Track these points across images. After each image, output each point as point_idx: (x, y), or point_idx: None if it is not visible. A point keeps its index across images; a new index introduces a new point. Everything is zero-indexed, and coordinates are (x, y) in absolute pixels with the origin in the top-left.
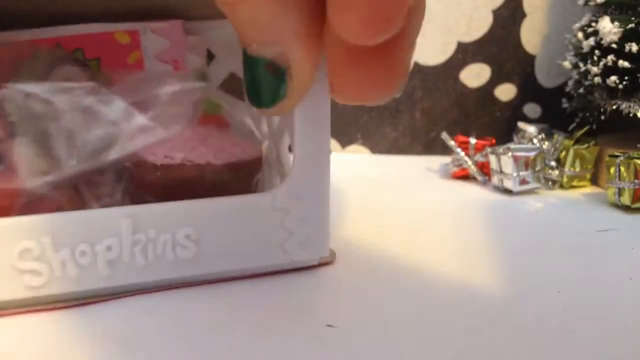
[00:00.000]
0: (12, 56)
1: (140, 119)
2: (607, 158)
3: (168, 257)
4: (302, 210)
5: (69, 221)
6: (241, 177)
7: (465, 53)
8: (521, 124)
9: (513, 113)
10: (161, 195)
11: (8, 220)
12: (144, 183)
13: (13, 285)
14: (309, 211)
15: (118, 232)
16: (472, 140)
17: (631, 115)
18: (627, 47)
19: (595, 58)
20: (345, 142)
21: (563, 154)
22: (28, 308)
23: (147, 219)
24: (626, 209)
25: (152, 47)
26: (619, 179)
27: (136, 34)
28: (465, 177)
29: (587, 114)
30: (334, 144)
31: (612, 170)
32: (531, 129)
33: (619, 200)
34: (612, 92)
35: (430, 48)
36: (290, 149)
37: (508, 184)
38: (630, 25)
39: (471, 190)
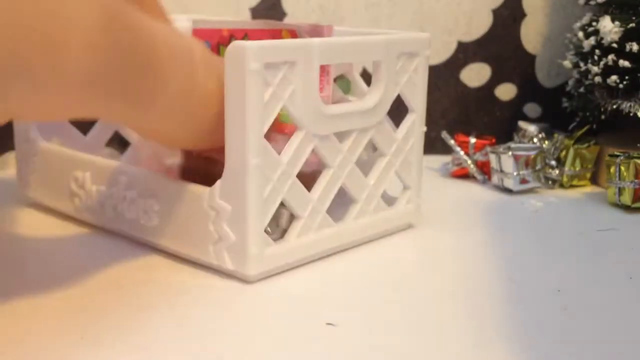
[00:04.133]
0: (217, 42)
1: None
2: (607, 157)
3: (140, 219)
4: (228, 216)
5: (101, 164)
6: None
7: (465, 53)
8: (522, 123)
9: (513, 113)
10: None
11: (71, 152)
12: None
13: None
14: (234, 218)
15: (117, 183)
16: (472, 139)
17: (631, 114)
18: (627, 47)
19: (596, 57)
20: None
21: (563, 153)
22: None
23: (136, 179)
24: (626, 208)
25: None
26: (619, 179)
27: (294, 33)
28: (464, 176)
29: (588, 114)
30: None
31: (612, 169)
32: (532, 128)
33: (619, 200)
34: (613, 92)
35: (430, 48)
36: None
37: (508, 183)
38: (630, 25)
39: (471, 190)
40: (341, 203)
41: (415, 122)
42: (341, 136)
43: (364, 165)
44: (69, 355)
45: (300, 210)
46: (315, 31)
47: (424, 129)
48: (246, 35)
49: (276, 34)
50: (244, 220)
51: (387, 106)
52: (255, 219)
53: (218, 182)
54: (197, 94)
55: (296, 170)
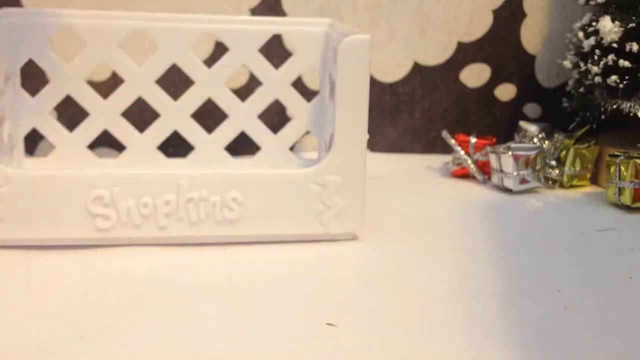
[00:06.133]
0: None
1: None
2: (607, 157)
3: (216, 216)
4: (338, 186)
5: (136, 175)
6: None
7: (465, 53)
8: (522, 123)
9: (513, 113)
10: None
11: (82, 171)
12: None
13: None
14: (345, 187)
15: (176, 189)
16: (473, 139)
17: (631, 114)
18: (627, 47)
19: (596, 57)
20: None
21: (563, 153)
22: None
23: (202, 180)
24: (626, 208)
25: None
26: (619, 179)
27: None
28: (465, 175)
29: (588, 114)
30: None
31: (612, 169)
32: (532, 128)
33: (619, 200)
34: (613, 92)
35: (430, 48)
36: None
37: (508, 183)
38: (630, 25)
39: (471, 189)
40: None
41: None
42: None
43: None
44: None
45: None
46: None
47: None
48: None
49: None
50: (355, 188)
51: None
52: (363, 185)
53: (322, 164)
54: None
55: None
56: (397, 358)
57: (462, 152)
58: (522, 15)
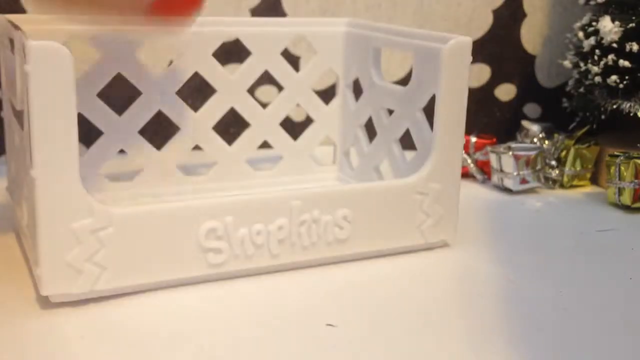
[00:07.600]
0: None
1: None
2: (607, 157)
3: (328, 237)
4: (438, 193)
5: (248, 203)
6: None
7: None
8: (525, 123)
9: (513, 113)
10: None
11: (196, 202)
12: None
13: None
14: (443, 195)
15: (288, 212)
16: (473, 139)
17: (631, 114)
18: (627, 47)
19: (596, 57)
20: None
21: (563, 153)
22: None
23: (312, 200)
24: (626, 208)
25: None
26: (619, 179)
27: None
28: (464, 175)
29: (588, 114)
30: None
31: (612, 169)
32: (534, 128)
33: (619, 200)
34: (613, 92)
35: None
36: None
37: (508, 182)
38: (630, 25)
39: (471, 189)
40: None
41: None
42: None
43: None
44: None
45: None
46: None
47: None
48: None
49: None
50: (452, 195)
51: None
52: (459, 191)
53: (424, 172)
54: None
55: None
56: (393, 356)
57: (462, 152)
58: (522, 15)
